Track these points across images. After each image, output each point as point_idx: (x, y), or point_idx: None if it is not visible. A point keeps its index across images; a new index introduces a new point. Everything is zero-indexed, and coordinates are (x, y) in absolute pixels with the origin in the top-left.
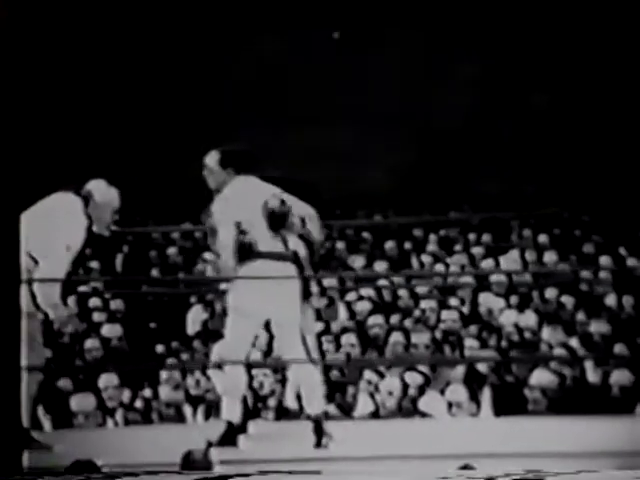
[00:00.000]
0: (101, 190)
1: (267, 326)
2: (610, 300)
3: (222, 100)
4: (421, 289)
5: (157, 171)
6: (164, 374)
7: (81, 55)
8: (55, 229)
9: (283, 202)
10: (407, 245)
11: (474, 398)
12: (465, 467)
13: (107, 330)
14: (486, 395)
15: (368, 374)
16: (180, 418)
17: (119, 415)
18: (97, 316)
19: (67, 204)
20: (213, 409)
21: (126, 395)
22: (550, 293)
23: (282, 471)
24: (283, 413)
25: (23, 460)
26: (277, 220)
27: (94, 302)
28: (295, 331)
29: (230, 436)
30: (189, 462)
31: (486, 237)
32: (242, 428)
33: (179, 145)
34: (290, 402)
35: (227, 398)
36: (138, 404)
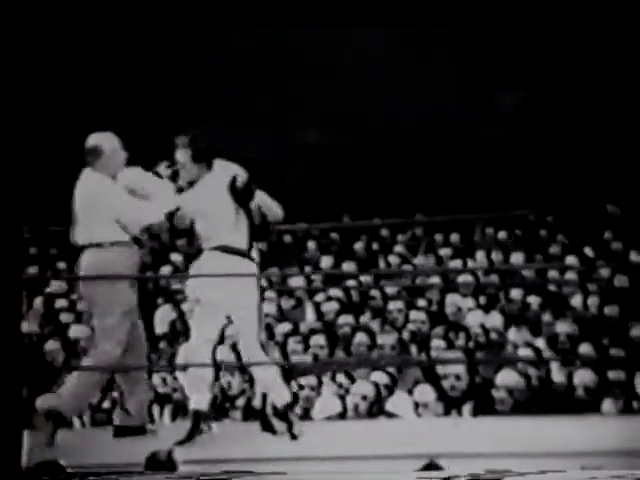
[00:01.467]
0: (106, 139)
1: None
2: (576, 301)
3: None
4: (389, 290)
5: None
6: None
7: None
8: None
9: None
10: (375, 246)
11: (441, 398)
12: (430, 465)
13: (74, 331)
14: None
15: (336, 375)
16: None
17: (86, 416)
18: (64, 317)
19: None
20: (180, 410)
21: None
22: (516, 294)
23: (247, 471)
24: (251, 413)
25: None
26: (243, 195)
27: (60, 303)
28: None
29: (197, 425)
30: (154, 463)
31: (454, 238)
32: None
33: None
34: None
35: (193, 389)
36: (105, 405)
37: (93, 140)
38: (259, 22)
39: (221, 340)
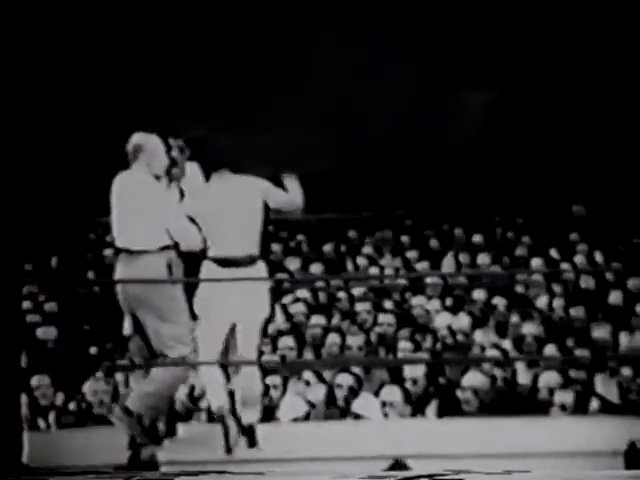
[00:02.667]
0: (145, 137)
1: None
2: (541, 302)
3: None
4: (357, 291)
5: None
6: (98, 375)
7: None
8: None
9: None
10: (342, 248)
11: (408, 400)
12: (395, 464)
13: (41, 332)
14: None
15: (303, 376)
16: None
17: (52, 417)
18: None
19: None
20: None
21: (60, 397)
22: (483, 295)
23: (225, 471)
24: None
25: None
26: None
27: (26, 305)
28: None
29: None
30: (136, 463)
31: (421, 239)
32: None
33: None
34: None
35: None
36: (72, 406)
37: (136, 138)
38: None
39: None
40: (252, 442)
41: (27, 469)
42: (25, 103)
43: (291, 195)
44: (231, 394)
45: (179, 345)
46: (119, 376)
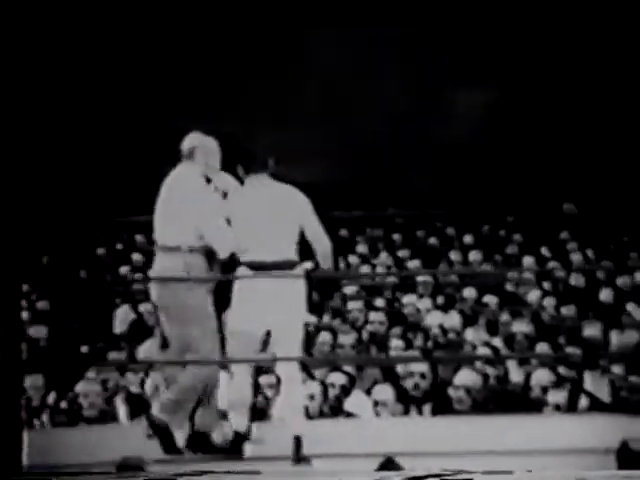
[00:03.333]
0: (202, 138)
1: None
2: (532, 300)
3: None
4: (349, 289)
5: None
6: (90, 374)
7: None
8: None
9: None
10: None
11: (400, 399)
12: (387, 463)
13: (33, 331)
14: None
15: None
16: (106, 418)
17: (45, 416)
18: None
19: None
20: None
21: (52, 396)
22: (474, 293)
23: (220, 471)
24: None
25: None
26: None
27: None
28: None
29: (237, 445)
30: (124, 464)
31: (413, 237)
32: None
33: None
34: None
35: (234, 410)
36: (63, 405)
37: (193, 137)
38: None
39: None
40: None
41: (28, 470)
42: (25, 104)
43: (325, 239)
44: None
45: (191, 354)
46: (113, 376)
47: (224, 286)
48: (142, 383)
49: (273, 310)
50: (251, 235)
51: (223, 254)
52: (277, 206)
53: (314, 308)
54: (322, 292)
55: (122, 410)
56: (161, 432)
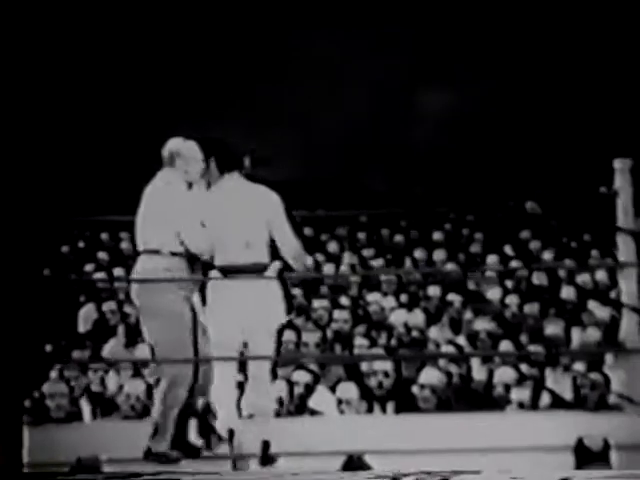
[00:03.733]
0: (182, 144)
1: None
2: (495, 298)
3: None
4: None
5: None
6: (53, 373)
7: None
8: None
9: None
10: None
11: (365, 396)
12: (351, 461)
13: None
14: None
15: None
16: (73, 417)
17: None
18: None
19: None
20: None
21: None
22: (438, 292)
23: (186, 472)
24: None
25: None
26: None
27: None
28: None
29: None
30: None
31: (377, 236)
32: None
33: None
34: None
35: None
36: (27, 404)
37: (173, 143)
38: None
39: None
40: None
41: (28, 470)
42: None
43: (293, 240)
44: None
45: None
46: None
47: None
48: (103, 381)
49: (249, 316)
50: (223, 236)
51: (203, 258)
52: (248, 206)
53: (293, 308)
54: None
55: (86, 409)
56: (167, 460)
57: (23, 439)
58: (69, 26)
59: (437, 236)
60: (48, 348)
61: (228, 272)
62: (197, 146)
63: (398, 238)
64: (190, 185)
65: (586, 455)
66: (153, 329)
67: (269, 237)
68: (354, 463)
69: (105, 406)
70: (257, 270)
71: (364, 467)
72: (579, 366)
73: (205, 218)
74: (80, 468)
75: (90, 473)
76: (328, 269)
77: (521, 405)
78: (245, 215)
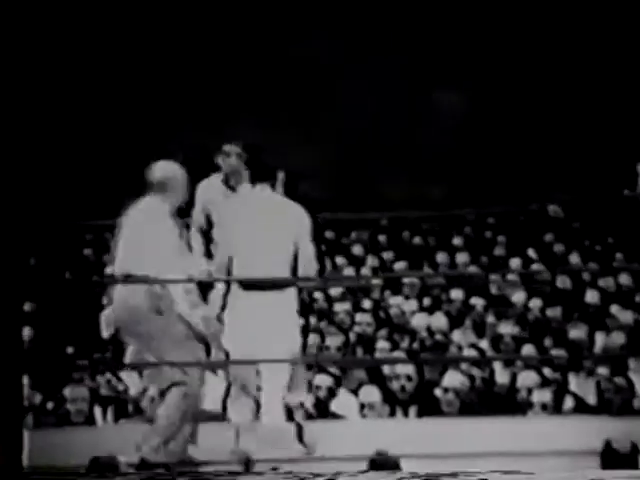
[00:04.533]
0: (172, 170)
1: None
2: (518, 302)
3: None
4: (335, 291)
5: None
6: (75, 375)
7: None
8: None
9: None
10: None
11: (387, 400)
12: (377, 460)
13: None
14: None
15: None
16: (90, 420)
17: (30, 418)
18: None
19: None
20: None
21: (38, 398)
22: (461, 295)
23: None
24: None
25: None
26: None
27: None
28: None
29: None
30: (97, 466)
31: (398, 239)
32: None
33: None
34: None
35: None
36: (49, 406)
37: (159, 170)
38: None
39: None
40: None
41: (28, 470)
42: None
43: (314, 263)
44: None
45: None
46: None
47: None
48: (110, 384)
49: (268, 337)
50: (243, 247)
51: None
52: (274, 220)
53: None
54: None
55: (98, 412)
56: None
57: (23, 441)
58: (74, 30)
59: (459, 239)
60: (69, 350)
61: (248, 287)
62: (183, 172)
63: (419, 241)
64: (174, 211)
65: (613, 458)
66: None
67: (293, 254)
68: (383, 461)
69: (124, 409)
70: (279, 286)
71: (392, 464)
72: (603, 370)
73: (223, 224)
74: (96, 468)
75: (107, 472)
76: (349, 272)
77: (544, 409)
78: (269, 227)
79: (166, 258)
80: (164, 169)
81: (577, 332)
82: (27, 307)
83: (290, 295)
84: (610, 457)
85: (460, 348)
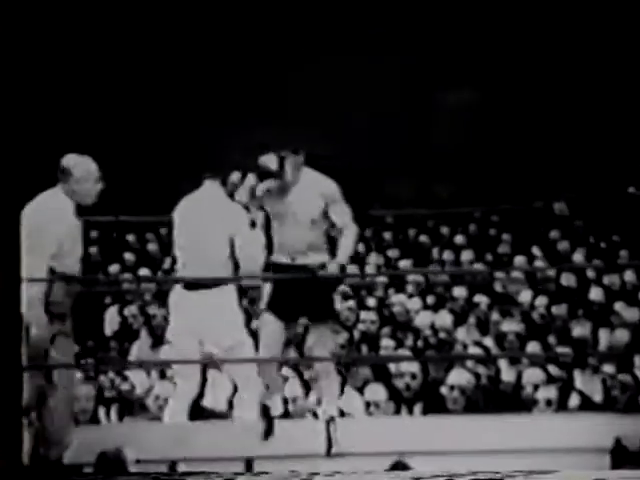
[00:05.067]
0: (77, 162)
1: None
2: (524, 299)
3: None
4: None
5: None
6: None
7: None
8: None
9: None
10: None
11: (392, 398)
12: (397, 465)
13: None
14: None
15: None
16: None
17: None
18: None
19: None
20: (127, 409)
21: None
22: (464, 293)
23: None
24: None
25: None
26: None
27: None
28: None
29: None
30: (103, 462)
31: (403, 236)
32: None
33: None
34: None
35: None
36: None
37: (66, 160)
38: None
39: None
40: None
41: (28, 470)
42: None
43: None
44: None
45: None
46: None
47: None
48: (113, 383)
49: (205, 329)
50: (188, 250)
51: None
52: (216, 218)
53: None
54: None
55: (102, 411)
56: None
57: (23, 440)
58: (80, 33)
59: (463, 237)
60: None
61: (188, 286)
62: (93, 167)
63: (424, 239)
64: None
65: (623, 456)
66: None
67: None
68: (397, 463)
69: (130, 407)
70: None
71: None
72: (608, 368)
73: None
74: (104, 463)
75: (115, 468)
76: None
77: (550, 406)
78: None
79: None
80: (66, 159)
81: (581, 329)
82: None
83: (230, 292)
84: (620, 455)
85: (465, 346)
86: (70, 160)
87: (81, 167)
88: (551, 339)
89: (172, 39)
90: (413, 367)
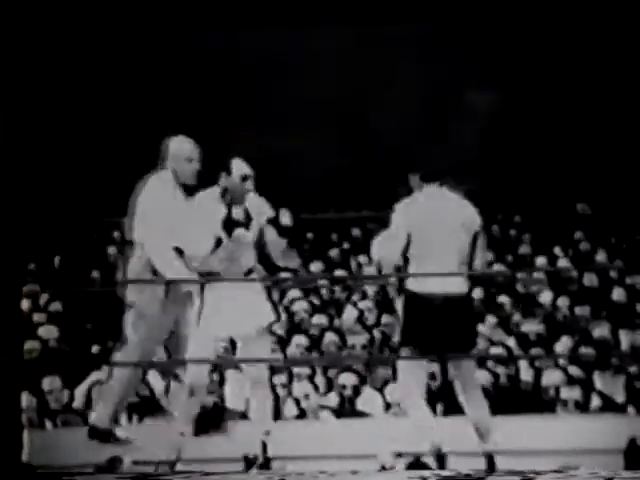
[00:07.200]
0: (176, 144)
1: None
2: (545, 300)
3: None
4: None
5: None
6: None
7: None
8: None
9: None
10: (346, 245)
11: None
12: (417, 463)
13: (43, 331)
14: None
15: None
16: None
17: (58, 417)
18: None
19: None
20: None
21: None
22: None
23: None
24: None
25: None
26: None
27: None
28: None
29: None
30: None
31: None
32: None
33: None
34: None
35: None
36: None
37: (168, 142)
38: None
39: None
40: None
41: (28, 469)
42: (30, 103)
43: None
44: None
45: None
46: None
47: None
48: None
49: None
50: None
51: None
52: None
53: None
54: None
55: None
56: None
57: (23, 440)
58: (77, 32)
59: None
60: (94, 350)
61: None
62: (193, 147)
63: None
64: (186, 187)
65: (637, 456)
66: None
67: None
68: (417, 461)
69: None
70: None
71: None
72: (631, 369)
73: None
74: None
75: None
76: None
77: (570, 407)
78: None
79: None
80: (168, 141)
81: (603, 330)
82: (54, 307)
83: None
84: (634, 455)
85: (491, 344)
86: (170, 143)
87: (179, 148)
88: (573, 340)
89: (173, 41)
90: (433, 368)
